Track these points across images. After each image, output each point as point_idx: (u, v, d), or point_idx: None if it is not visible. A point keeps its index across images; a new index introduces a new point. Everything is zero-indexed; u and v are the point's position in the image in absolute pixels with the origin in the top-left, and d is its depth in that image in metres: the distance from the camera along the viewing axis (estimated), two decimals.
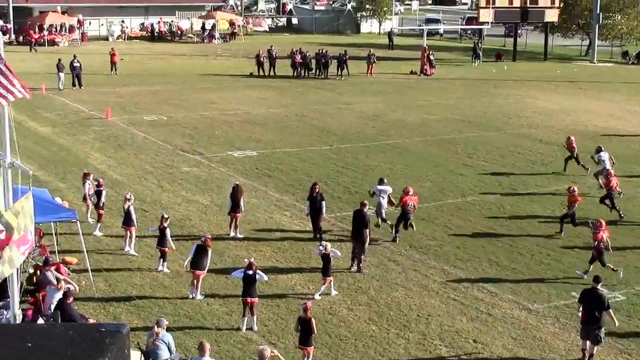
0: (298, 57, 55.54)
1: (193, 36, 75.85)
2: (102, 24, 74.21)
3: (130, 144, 35.35)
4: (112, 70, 53.20)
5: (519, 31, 73.44)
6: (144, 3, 77.21)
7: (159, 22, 76.05)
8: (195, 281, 20.41)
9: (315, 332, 17.19)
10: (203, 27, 75.62)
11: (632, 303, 20.55)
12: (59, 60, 47.90)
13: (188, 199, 27.95)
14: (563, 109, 46.62)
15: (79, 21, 70.59)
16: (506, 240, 24.93)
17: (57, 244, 22.03)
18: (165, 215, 22.34)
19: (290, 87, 51.00)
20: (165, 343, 16.32)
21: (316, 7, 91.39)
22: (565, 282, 21.71)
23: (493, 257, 23.49)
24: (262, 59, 55.27)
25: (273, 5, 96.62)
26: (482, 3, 66.54)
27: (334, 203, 27.75)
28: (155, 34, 74.86)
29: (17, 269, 16.26)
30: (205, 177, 30.55)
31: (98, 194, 24.59)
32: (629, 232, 25.96)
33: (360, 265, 22.36)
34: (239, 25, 77.24)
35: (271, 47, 57.64)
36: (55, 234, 22.15)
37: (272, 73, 55.23)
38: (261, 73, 54.92)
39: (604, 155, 30.30)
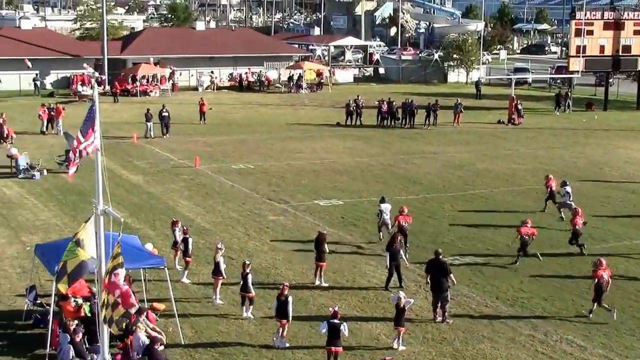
0: (384, 107, 55.71)
1: (280, 86, 76.82)
2: (192, 75, 75.79)
3: (218, 192, 35.81)
4: (201, 119, 54.22)
5: (611, 80, 72.26)
6: (233, 54, 78.66)
7: (247, 72, 77.30)
8: (280, 329, 20.46)
9: None
10: (290, 77, 76.58)
11: None
12: (148, 110, 49.04)
13: (274, 247, 28.12)
14: None
15: (172, 72, 72.14)
16: None
17: (145, 291, 22.28)
18: (247, 262, 22.47)
19: (376, 137, 51.11)
20: None
21: (403, 57, 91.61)
22: None
23: (582, 311, 22.95)
24: (351, 108, 55.66)
25: (360, 55, 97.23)
26: (572, 52, 65.82)
27: (419, 253, 27.56)
28: (244, 84, 76.09)
29: None
30: (291, 226, 30.74)
31: (185, 242, 24.88)
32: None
33: (445, 314, 22.13)
34: (326, 76, 77.91)
35: (358, 96, 58.02)
36: (144, 280, 22.43)
37: (358, 122, 55.49)
38: (349, 122, 55.23)
39: (569, 189, 32.35)
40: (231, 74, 77.88)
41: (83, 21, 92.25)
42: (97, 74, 66.99)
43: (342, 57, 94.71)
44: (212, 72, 75.56)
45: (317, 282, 24.58)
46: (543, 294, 24.31)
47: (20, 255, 26.36)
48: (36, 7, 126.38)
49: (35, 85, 67.25)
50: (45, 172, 37.33)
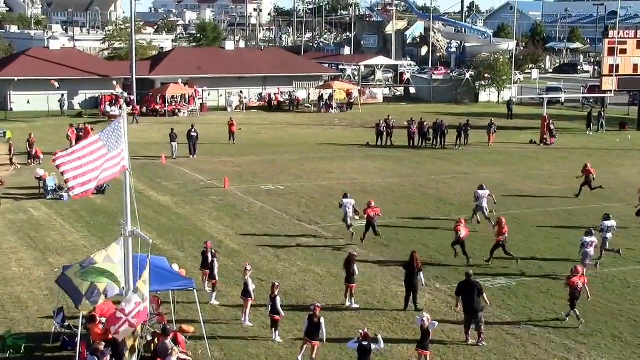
0: (413, 127, 55.39)
1: (310, 106, 76.82)
2: (221, 95, 75.98)
3: (247, 213, 35.70)
4: (230, 139, 54.20)
5: None
6: (262, 74, 78.82)
7: (276, 93, 77.35)
8: (311, 352, 20.29)
9: None
10: (320, 97, 76.52)
11: None
12: (172, 130, 49.12)
13: (304, 269, 27.94)
14: None
15: (195, 91, 72.28)
16: (630, 315, 23.99)
17: (174, 313, 22.18)
18: (277, 283, 22.34)
19: (407, 157, 50.82)
20: None
21: (434, 77, 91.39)
22: None
23: (616, 333, 22.68)
24: (381, 128, 55.43)
25: (390, 75, 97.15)
26: (605, 71, 65.22)
27: (449, 274, 27.42)
28: (273, 104, 76.12)
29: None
30: (322, 247, 30.53)
31: (212, 264, 24.81)
32: None
33: (481, 336, 21.85)
34: (356, 96, 77.80)
35: (388, 116, 57.80)
36: (173, 302, 22.35)
37: (388, 143, 55.22)
38: (379, 143, 54.99)
39: (482, 193, 33.67)
40: (260, 94, 77.98)
41: (112, 41, 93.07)
42: (125, 94, 68.10)
43: (373, 77, 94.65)
44: (241, 92, 75.72)
45: (348, 304, 24.41)
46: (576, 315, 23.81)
47: (47, 277, 26.26)
48: (65, 27, 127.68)
49: (61, 105, 67.52)
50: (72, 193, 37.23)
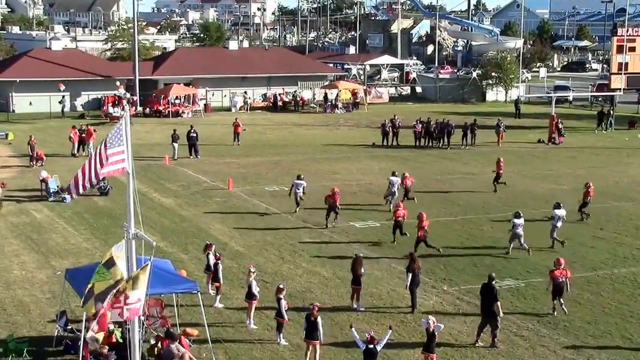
0: (419, 127, 54.99)
1: (315, 106, 76.48)
2: (225, 95, 75.69)
3: (251, 214, 35.42)
4: (234, 140, 53.92)
5: None
6: (267, 74, 78.56)
7: (281, 93, 77.03)
8: (313, 352, 20.19)
9: None
10: (325, 97, 76.21)
11: None
12: (174, 130, 48.86)
13: (309, 271, 27.70)
14: None
15: (194, 95, 71.84)
16: None
17: (178, 316, 22.01)
18: (282, 286, 22.17)
19: (413, 157, 50.47)
20: None
21: (440, 76, 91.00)
22: None
23: (627, 334, 22.46)
24: (387, 128, 55.07)
25: (396, 74, 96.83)
26: (614, 69, 64.78)
27: (457, 276, 27.24)
28: (278, 104, 75.77)
29: (140, 339, 16.39)
30: (327, 249, 30.27)
31: (215, 267, 24.59)
32: None
33: (496, 339, 21.62)
34: (361, 96, 77.46)
35: (394, 116, 57.45)
36: (177, 305, 22.17)
37: (394, 143, 54.86)
38: (385, 143, 54.64)
39: (395, 180, 35.94)
40: (265, 94, 77.72)
41: (114, 42, 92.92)
42: (128, 95, 67.88)
43: (378, 76, 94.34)
44: (245, 92, 75.46)
45: (354, 306, 24.22)
46: (586, 316, 23.83)
47: (50, 280, 26.18)
48: (67, 27, 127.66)
49: (62, 107, 67.19)
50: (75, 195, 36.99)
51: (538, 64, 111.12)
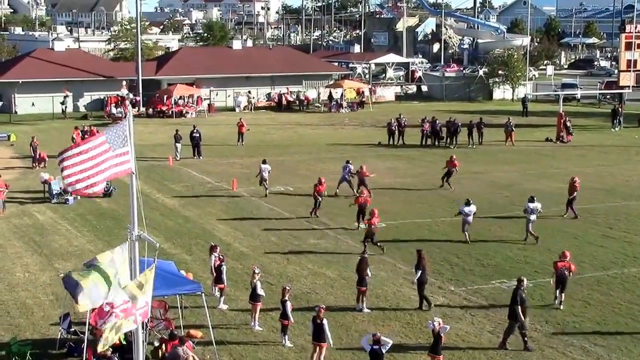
0: (426, 126, 54.61)
1: (320, 105, 76.17)
2: (229, 95, 75.43)
3: (256, 215, 35.21)
4: (238, 140, 53.68)
5: None
6: (271, 73, 78.31)
7: (285, 92, 76.70)
8: (318, 354, 20.01)
9: None
10: (330, 96, 75.92)
11: None
12: (177, 131, 48.67)
13: (314, 272, 27.46)
14: None
15: (199, 98, 71.61)
16: None
17: (182, 317, 21.90)
18: (287, 287, 22.02)
19: (419, 157, 50.16)
20: None
21: (446, 74, 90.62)
22: None
23: (638, 335, 22.14)
24: (393, 127, 54.74)
25: (402, 73, 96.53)
26: (623, 66, 64.34)
27: (465, 276, 27.02)
28: (283, 103, 75.42)
29: (143, 341, 16.21)
30: (332, 249, 30.05)
31: (218, 268, 24.36)
32: None
33: (526, 343, 21.31)
34: (367, 95, 77.14)
35: (400, 115, 57.13)
36: (181, 307, 22.07)
37: (400, 142, 54.52)
38: (391, 142, 54.31)
39: (348, 167, 38.35)
40: (269, 94, 77.45)
41: (117, 42, 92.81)
42: (131, 96, 67.72)
43: (384, 75, 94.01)
44: (249, 92, 75.20)
45: (360, 307, 23.98)
46: (595, 317, 23.55)
47: (53, 283, 25.98)
48: (69, 28, 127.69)
49: (64, 109, 67.00)
50: (78, 196, 36.85)
51: (545, 62, 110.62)
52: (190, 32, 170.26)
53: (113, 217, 34.17)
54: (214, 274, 24.48)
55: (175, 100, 68.43)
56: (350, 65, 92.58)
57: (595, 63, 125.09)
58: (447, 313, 23.57)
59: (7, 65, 73.70)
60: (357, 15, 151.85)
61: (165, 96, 69.04)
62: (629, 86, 64.11)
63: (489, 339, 21.90)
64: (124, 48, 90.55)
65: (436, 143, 54.33)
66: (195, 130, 48.72)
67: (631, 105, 73.26)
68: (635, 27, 63.52)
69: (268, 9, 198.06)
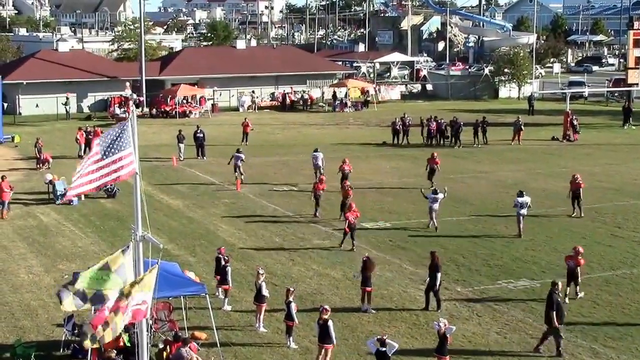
0: (433, 125, 54.30)
1: (324, 105, 75.96)
2: (233, 95, 75.24)
3: (260, 215, 35.06)
4: (243, 140, 53.49)
5: None
6: (275, 72, 78.12)
7: (289, 92, 76.47)
8: (324, 356, 19.87)
9: None
10: (334, 96, 75.69)
11: None
12: (180, 131, 48.54)
13: (319, 273, 27.30)
14: None
15: (202, 99, 71.41)
16: None
17: (186, 319, 21.76)
18: (291, 289, 21.86)
19: (424, 156, 49.53)
20: None
21: (451, 72, 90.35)
22: None
23: None
24: (397, 127, 54.49)
25: (406, 72, 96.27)
26: (631, 63, 63.96)
27: (471, 276, 26.83)
28: (287, 103, 75.18)
29: (147, 343, 16.07)
30: (337, 250, 29.82)
31: (223, 269, 24.20)
32: None
33: (560, 348, 20.93)
34: (372, 94, 76.91)
35: (404, 114, 56.89)
36: (185, 308, 21.92)
37: (405, 142, 54.27)
38: (395, 142, 54.08)
39: (318, 155, 41.06)
40: (273, 94, 77.28)
41: (121, 42, 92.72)
42: (134, 96, 67.60)
43: (388, 74, 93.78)
44: (253, 91, 75.03)
45: (365, 308, 23.84)
46: (604, 318, 23.35)
47: (57, 284, 25.69)
48: (73, 29, 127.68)
49: (67, 110, 66.86)
50: (83, 197, 36.68)
51: (552, 60, 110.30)
52: (194, 32, 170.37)
53: (117, 218, 34.05)
54: (217, 275, 24.42)
55: (178, 100, 68.32)
56: (355, 64, 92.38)
57: (604, 60, 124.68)
58: (454, 314, 23.41)
59: (11, 67, 73.57)
60: (362, 14, 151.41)
61: (169, 96, 68.91)
62: (637, 83, 63.64)
63: (495, 339, 21.74)
64: (127, 48, 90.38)
65: (441, 142, 54.05)
66: (199, 131, 48.57)
67: (639, 103, 72.93)
68: None
69: (272, 8, 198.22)
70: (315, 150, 41.93)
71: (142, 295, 14.28)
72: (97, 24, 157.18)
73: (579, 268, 24.28)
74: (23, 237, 31.70)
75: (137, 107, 63.12)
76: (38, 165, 44.87)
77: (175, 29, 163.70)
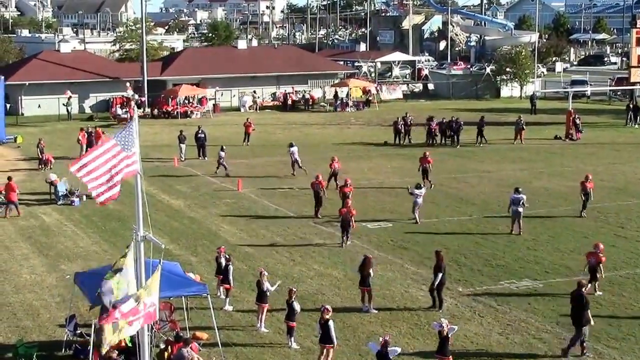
0: (434, 125, 54.22)
1: (325, 105, 75.88)
2: (234, 95, 75.21)
3: (261, 215, 35.03)
4: (244, 140, 53.46)
5: None
6: (276, 72, 78.06)
7: (290, 92, 76.40)
8: (325, 356, 19.84)
9: None
10: (336, 96, 75.62)
11: None
12: (181, 131, 48.52)
13: (321, 272, 27.26)
14: None
15: (204, 99, 71.36)
16: None
17: (187, 319, 21.72)
18: (294, 289, 21.82)
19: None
20: None
21: (453, 72, 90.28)
22: None
23: None
24: (399, 126, 54.42)
25: (408, 71, 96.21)
26: (634, 62, 63.80)
27: (473, 277, 26.74)
28: (288, 103, 75.09)
29: (149, 343, 16.11)
30: (338, 250, 29.79)
31: (225, 268, 24.15)
32: None
33: (584, 350, 20.80)
34: (373, 94, 76.84)
35: (406, 114, 56.82)
36: (186, 308, 21.86)
37: (407, 141, 54.19)
38: (397, 141, 54.01)
39: (293, 149, 42.12)
40: (274, 94, 77.22)
41: (122, 42, 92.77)
42: (136, 96, 67.61)
43: (390, 73, 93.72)
44: (254, 91, 75.00)
45: (366, 308, 23.78)
46: (607, 318, 23.20)
47: (59, 284, 25.99)
48: (75, 29, 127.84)
49: (68, 110, 66.83)
50: (84, 198, 36.60)
51: (554, 59, 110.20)
52: (195, 32, 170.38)
53: (118, 218, 33.99)
54: (219, 275, 24.42)
55: (180, 100, 68.27)
56: (356, 63, 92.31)
57: (606, 59, 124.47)
58: (456, 314, 23.35)
59: (14, 68, 73.59)
60: (363, 14, 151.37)
61: (170, 97, 68.89)
62: None
63: (497, 340, 21.67)
64: (129, 49, 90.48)
65: (443, 141, 53.95)
66: (200, 131, 48.54)
67: None
68: None
69: (273, 8, 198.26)
70: (291, 145, 42.65)
71: (151, 299, 14.47)
72: (99, 25, 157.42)
73: (600, 265, 24.46)
74: (25, 237, 31.73)
75: (138, 107, 63.20)
76: (40, 166, 44.89)
77: (177, 30, 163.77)
